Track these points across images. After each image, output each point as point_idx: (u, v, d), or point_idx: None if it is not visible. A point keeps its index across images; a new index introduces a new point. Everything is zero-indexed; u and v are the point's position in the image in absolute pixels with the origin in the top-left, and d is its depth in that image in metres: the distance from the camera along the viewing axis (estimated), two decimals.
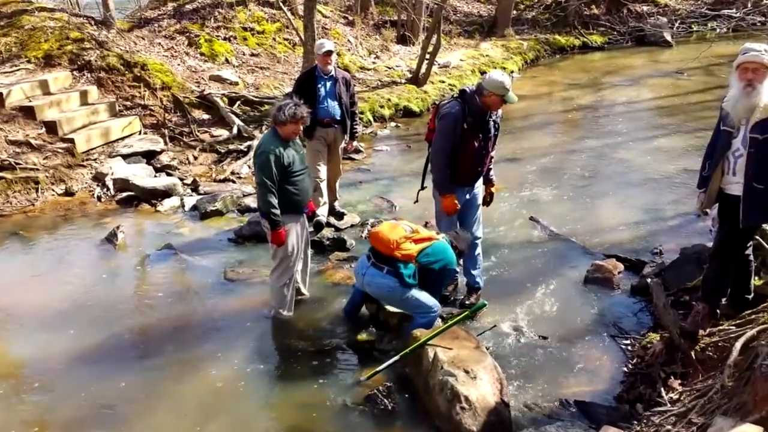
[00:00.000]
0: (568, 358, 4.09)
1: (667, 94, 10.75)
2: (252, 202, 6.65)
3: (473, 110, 4.12)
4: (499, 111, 4.23)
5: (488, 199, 4.60)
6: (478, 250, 4.62)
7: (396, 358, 3.74)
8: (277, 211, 4.03)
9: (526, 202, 6.85)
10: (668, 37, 15.27)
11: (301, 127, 4.14)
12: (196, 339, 4.23)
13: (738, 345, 3.17)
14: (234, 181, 7.28)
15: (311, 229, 5.41)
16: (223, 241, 5.92)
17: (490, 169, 4.52)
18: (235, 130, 8.18)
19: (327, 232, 5.88)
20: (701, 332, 3.69)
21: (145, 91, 8.39)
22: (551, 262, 5.52)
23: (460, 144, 4.07)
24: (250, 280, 5.10)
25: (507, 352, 4.12)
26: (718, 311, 3.86)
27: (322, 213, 5.74)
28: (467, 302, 4.62)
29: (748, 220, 3.50)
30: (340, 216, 6.17)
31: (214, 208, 6.52)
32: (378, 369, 3.78)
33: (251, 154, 7.45)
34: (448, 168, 4.16)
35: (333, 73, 5.66)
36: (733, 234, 3.60)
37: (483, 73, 11.04)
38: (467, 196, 4.34)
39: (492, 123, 4.17)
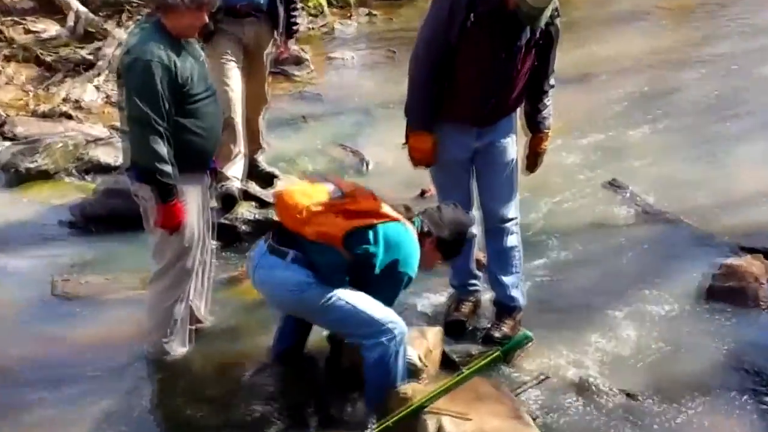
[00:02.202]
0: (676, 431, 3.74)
1: None
2: (107, 154, 6.18)
3: None
4: (554, 4, 3.86)
5: (533, 161, 4.29)
6: (511, 241, 4.22)
7: None
8: (170, 169, 3.70)
9: (602, 154, 6.36)
10: None
11: (206, 18, 3.77)
12: (11, 402, 3.86)
13: None
14: (72, 117, 6.85)
15: (215, 203, 5.01)
16: (52, 227, 5.50)
17: (541, 106, 4.21)
18: (71, 22, 7.82)
19: (244, 210, 5.42)
20: None
21: None
22: (646, 260, 5.10)
23: (462, 49, 3.86)
24: (102, 296, 4.71)
25: (568, 421, 3.78)
26: None
27: (235, 174, 5.32)
28: (496, 334, 4.21)
29: None
30: (267, 179, 5.77)
31: (34, 166, 6.05)
32: None
33: (106, 64, 7.20)
34: (434, 86, 3.95)
35: None
36: None
37: None
38: (475, 145, 4.15)
39: (530, 29, 3.80)
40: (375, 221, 3.58)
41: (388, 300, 3.73)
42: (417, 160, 4.18)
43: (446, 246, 3.80)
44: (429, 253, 3.74)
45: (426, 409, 3.43)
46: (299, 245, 3.57)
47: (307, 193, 3.69)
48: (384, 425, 3.40)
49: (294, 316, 3.90)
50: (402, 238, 3.63)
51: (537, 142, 4.28)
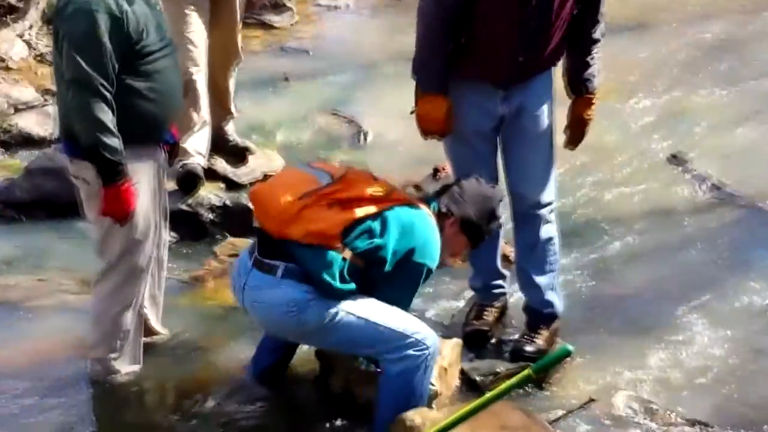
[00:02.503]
0: None
1: None
2: (38, 124, 6.10)
3: None
4: None
5: (576, 131, 4.16)
6: (546, 231, 4.12)
7: None
8: (117, 143, 3.57)
9: (663, 122, 6.36)
10: None
11: None
12: None
13: None
14: None
15: (172, 185, 4.96)
16: None
17: (587, 61, 4.04)
18: None
19: (209, 193, 5.26)
20: None
21: None
22: (718, 254, 5.02)
23: None
24: (33, 302, 4.55)
25: None
26: None
27: (197, 148, 5.23)
28: (528, 348, 4.06)
29: None
30: (238, 154, 5.65)
31: None
32: None
33: (39, 12, 7.01)
34: (448, 41, 3.89)
35: None
36: None
37: None
38: (501, 111, 4.04)
39: None
40: (378, 208, 3.45)
41: (405, 301, 3.66)
42: (428, 131, 4.04)
43: (472, 227, 3.66)
44: (452, 237, 3.62)
45: None
46: (289, 253, 3.46)
47: (289, 184, 3.55)
48: None
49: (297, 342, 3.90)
50: (415, 222, 3.52)
51: (581, 107, 4.09)
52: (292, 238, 3.38)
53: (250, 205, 5.02)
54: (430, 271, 3.54)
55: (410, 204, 3.49)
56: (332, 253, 3.37)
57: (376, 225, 3.40)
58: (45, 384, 3.95)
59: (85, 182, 3.69)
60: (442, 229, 3.56)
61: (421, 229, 3.48)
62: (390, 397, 3.51)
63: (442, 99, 3.95)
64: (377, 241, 3.38)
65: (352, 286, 3.42)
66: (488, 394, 3.32)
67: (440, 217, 3.58)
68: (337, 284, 3.34)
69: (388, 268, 3.39)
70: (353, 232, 3.38)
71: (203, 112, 5.28)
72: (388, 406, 3.52)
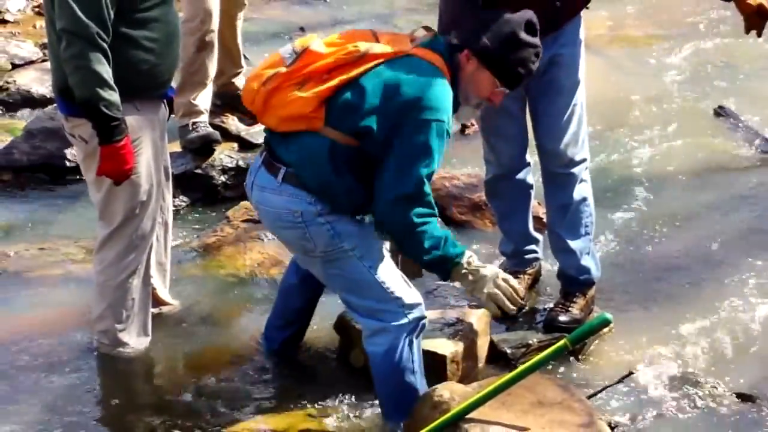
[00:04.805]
0: None
1: None
2: (40, 82, 6.05)
3: None
4: None
5: (757, 22, 4.12)
6: (580, 191, 3.99)
7: None
8: (117, 97, 3.54)
9: (708, 71, 6.32)
10: None
11: None
12: None
13: None
14: None
15: (176, 146, 5.00)
16: None
17: None
18: None
19: (222, 154, 5.24)
20: None
21: None
22: None
23: None
24: (35, 271, 4.54)
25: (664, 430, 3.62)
26: None
27: (206, 105, 5.19)
28: (562, 318, 3.98)
29: None
30: (252, 113, 5.51)
31: None
32: None
33: None
34: None
35: None
36: None
37: None
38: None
39: None
40: (352, 74, 3.20)
41: (422, 169, 3.27)
42: None
43: (494, 59, 3.31)
44: (472, 76, 3.32)
45: (468, 418, 3.22)
46: (283, 146, 3.36)
47: (256, 73, 3.37)
48: None
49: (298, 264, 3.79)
50: (401, 76, 3.24)
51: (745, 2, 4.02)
52: (271, 129, 3.30)
53: None
54: (439, 125, 3.23)
55: (394, 57, 3.22)
56: (318, 137, 3.22)
57: (352, 94, 3.19)
58: (49, 358, 3.92)
59: (82, 140, 3.63)
60: (457, 69, 3.31)
61: (411, 81, 3.20)
62: (383, 385, 3.50)
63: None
64: (358, 111, 3.19)
65: (352, 176, 3.26)
66: (520, 368, 3.26)
67: (452, 55, 3.31)
68: (337, 176, 3.23)
69: (379, 137, 3.17)
70: (331, 111, 3.21)
71: (212, 68, 5.20)
72: (384, 394, 3.51)
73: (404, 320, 3.30)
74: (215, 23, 5.16)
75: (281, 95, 3.16)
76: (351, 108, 3.11)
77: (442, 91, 3.18)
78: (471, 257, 3.42)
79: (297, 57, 3.21)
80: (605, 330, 3.79)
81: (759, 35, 4.10)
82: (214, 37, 5.17)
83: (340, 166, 3.15)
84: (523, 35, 3.38)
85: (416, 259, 3.44)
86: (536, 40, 3.42)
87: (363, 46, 3.21)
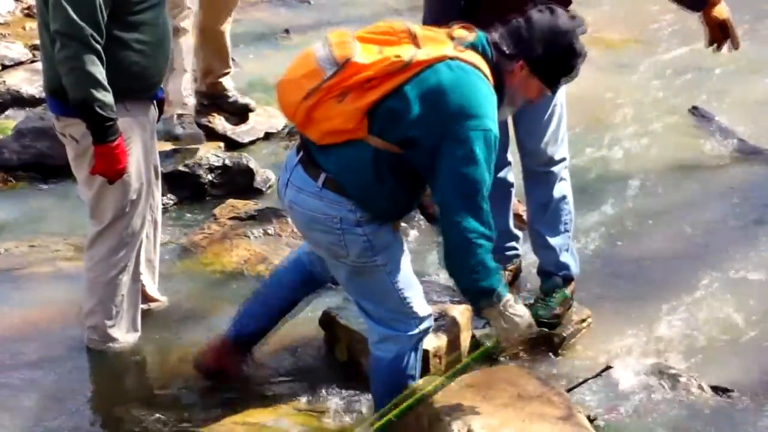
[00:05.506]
0: None
1: None
2: (29, 82, 6.06)
3: None
4: None
5: (719, 33, 4.14)
6: (559, 190, 4.07)
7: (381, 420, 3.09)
8: (110, 98, 3.56)
9: (684, 73, 6.34)
10: None
11: None
12: None
13: None
14: None
15: (167, 144, 5.00)
16: None
17: None
18: None
19: (209, 153, 5.26)
20: None
21: None
22: (742, 212, 5.03)
23: None
24: (26, 269, 4.56)
25: (638, 425, 3.64)
26: None
27: (184, 95, 5.22)
28: (542, 312, 3.99)
29: None
30: (238, 112, 5.65)
31: None
32: None
33: None
34: None
35: None
36: None
37: None
38: None
39: None
40: (395, 83, 3.11)
41: (472, 183, 3.20)
42: None
43: (550, 72, 3.28)
44: (526, 82, 3.29)
45: (450, 412, 3.27)
46: (323, 154, 3.27)
47: (294, 81, 3.26)
48: (386, 419, 3.29)
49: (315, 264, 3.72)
50: (444, 84, 3.13)
51: (711, 11, 4.05)
52: (308, 137, 3.21)
53: (251, 164, 5.19)
54: (487, 134, 3.13)
55: (436, 62, 3.10)
56: (362, 145, 3.12)
57: (396, 103, 3.06)
58: (39, 354, 3.95)
59: (73, 140, 3.64)
60: (504, 75, 3.21)
61: (455, 88, 3.08)
62: (381, 388, 3.54)
63: None
64: (403, 120, 3.09)
65: (396, 185, 3.17)
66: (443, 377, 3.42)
67: (501, 62, 3.19)
68: (379, 185, 3.13)
69: (427, 145, 3.07)
70: (374, 119, 3.11)
71: (187, 59, 5.24)
72: (386, 394, 3.51)
73: (416, 330, 3.32)
74: (185, 19, 5.13)
75: (322, 109, 3.07)
76: (395, 117, 3.01)
77: (487, 97, 3.13)
78: (509, 300, 3.37)
79: (338, 70, 3.12)
80: (585, 325, 3.94)
81: (719, 49, 4.14)
82: (188, 25, 5.16)
83: (383, 172, 3.07)
84: (578, 46, 3.36)
85: (457, 281, 3.35)
86: (584, 48, 3.40)
87: (406, 55, 3.04)
